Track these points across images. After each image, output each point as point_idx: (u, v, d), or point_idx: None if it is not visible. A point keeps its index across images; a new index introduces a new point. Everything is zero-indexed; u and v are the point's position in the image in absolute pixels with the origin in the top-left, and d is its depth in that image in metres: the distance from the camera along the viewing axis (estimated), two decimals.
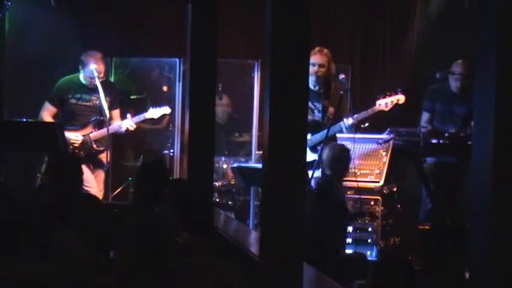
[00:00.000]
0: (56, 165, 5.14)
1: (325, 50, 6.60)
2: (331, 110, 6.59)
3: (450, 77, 7.40)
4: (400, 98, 6.65)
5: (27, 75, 7.84)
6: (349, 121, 6.47)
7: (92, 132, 7.21)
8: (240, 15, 8.12)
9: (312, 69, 6.44)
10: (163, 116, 7.65)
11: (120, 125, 7.19)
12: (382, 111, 6.65)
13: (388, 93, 6.66)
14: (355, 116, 6.58)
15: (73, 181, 4.98)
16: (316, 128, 6.55)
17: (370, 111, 6.63)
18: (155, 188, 4.61)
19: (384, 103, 6.62)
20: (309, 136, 6.51)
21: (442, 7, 8.37)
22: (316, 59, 6.52)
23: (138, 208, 4.71)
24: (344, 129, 6.57)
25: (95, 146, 7.23)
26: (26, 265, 3.19)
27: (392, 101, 6.63)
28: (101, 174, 7.25)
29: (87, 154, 7.16)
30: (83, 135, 7.19)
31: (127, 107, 7.76)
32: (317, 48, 6.50)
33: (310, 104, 6.51)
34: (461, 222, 6.74)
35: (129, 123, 7.20)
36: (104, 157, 7.24)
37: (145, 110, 7.46)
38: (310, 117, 6.52)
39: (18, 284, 3.13)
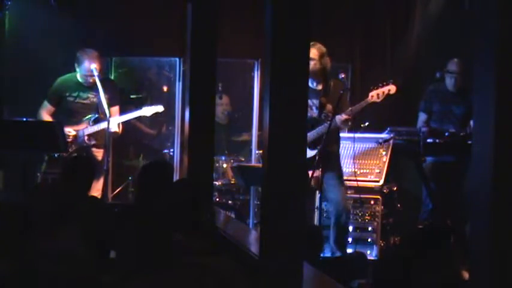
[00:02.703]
0: (73, 167, 5.23)
1: (318, 44, 6.57)
2: (329, 107, 6.58)
3: (446, 76, 7.42)
4: (391, 88, 6.66)
5: (27, 75, 7.84)
6: (342, 117, 6.47)
7: (86, 127, 7.22)
8: (240, 15, 8.12)
9: None
10: (162, 118, 7.66)
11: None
12: (375, 103, 6.66)
13: (380, 85, 6.69)
14: (349, 109, 6.58)
15: (85, 184, 5.09)
16: (313, 124, 6.55)
17: (363, 103, 6.64)
18: (156, 188, 4.62)
19: (376, 94, 6.64)
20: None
21: (442, 7, 8.37)
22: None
23: (138, 208, 4.72)
24: (338, 123, 6.56)
25: (86, 139, 7.22)
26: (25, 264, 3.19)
27: (383, 92, 6.64)
28: (98, 174, 7.20)
29: (79, 148, 7.16)
30: (76, 130, 7.20)
31: (126, 106, 7.77)
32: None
33: (309, 101, 6.50)
34: (460, 222, 6.76)
35: (111, 123, 7.14)
36: (99, 156, 7.23)
37: (139, 109, 7.45)
38: (308, 114, 6.52)
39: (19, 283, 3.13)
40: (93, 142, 7.23)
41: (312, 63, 6.51)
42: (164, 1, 8.06)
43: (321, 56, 6.57)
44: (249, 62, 8.33)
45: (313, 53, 6.51)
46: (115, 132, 7.19)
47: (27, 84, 7.81)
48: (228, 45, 7.35)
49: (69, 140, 7.14)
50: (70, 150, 7.10)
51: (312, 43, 6.48)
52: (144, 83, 8.85)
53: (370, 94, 6.63)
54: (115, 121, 7.16)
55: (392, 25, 8.85)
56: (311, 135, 6.52)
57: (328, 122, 6.38)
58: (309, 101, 6.52)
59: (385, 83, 6.68)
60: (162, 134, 8.60)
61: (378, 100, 6.63)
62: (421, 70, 8.37)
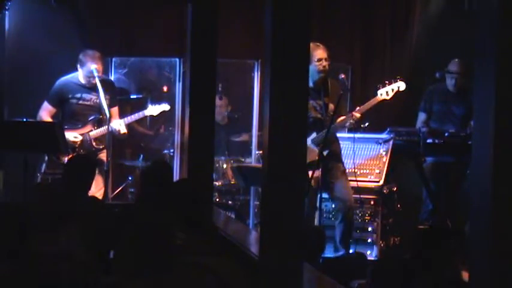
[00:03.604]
0: (75, 167, 5.24)
1: (322, 45, 6.58)
2: (331, 107, 6.57)
3: (447, 76, 7.42)
4: (401, 85, 6.65)
5: (27, 75, 7.84)
6: (357, 115, 6.46)
7: (91, 130, 7.22)
8: (240, 15, 8.12)
9: (320, 64, 6.43)
10: (160, 119, 7.65)
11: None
12: (384, 101, 6.65)
13: (387, 82, 6.67)
14: (358, 108, 6.57)
15: (86, 184, 5.10)
16: (321, 125, 6.54)
17: (372, 102, 6.62)
18: (157, 189, 4.62)
19: (385, 92, 6.62)
20: (314, 134, 6.52)
21: (442, 7, 8.38)
22: (321, 53, 6.48)
23: (138, 208, 4.72)
24: (348, 123, 6.54)
25: (94, 144, 7.23)
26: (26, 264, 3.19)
27: (393, 89, 6.63)
28: (100, 174, 7.22)
29: (87, 153, 7.16)
30: (82, 134, 7.20)
31: (127, 107, 7.76)
32: (315, 44, 6.43)
33: (313, 102, 6.50)
34: (460, 222, 6.76)
35: (118, 124, 7.15)
36: (103, 156, 7.23)
37: (145, 109, 7.45)
38: (313, 114, 6.52)
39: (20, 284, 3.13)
40: (101, 146, 7.24)
41: (327, 64, 6.51)
42: (164, 1, 8.06)
43: (329, 55, 6.58)
44: (249, 63, 8.32)
45: (327, 52, 6.51)
46: (124, 134, 7.20)
47: (27, 84, 7.80)
48: (228, 46, 7.35)
49: (77, 145, 7.15)
50: None
51: (317, 44, 6.49)
52: (144, 83, 8.84)
53: (379, 92, 6.62)
54: (121, 122, 7.17)
55: (392, 25, 8.85)
56: (320, 136, 6.48)
57: (331, 123, 6.36)
58: (313, 102, 6.52)
59: (393, 80, 6.67)
60: (162, 134, 8.59)
61: (388, 97, 6.63)
62: (421, 70, 8.36)
